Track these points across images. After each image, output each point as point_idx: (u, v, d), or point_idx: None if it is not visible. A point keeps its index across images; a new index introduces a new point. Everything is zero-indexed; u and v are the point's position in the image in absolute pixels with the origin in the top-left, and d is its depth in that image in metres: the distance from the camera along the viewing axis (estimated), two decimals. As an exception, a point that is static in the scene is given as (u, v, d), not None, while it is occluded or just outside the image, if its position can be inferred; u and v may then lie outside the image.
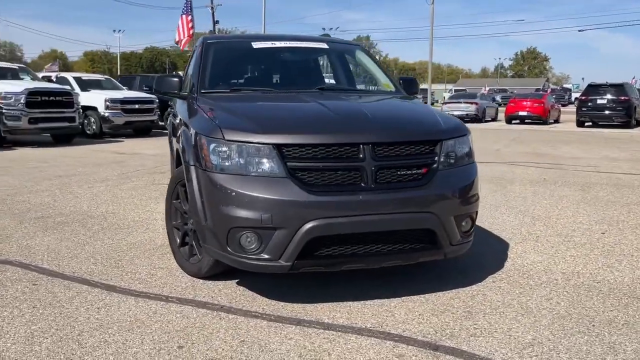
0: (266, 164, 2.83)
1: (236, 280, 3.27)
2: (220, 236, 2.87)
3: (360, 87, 4.78)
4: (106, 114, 14.08)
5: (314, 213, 2.77)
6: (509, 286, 3.25)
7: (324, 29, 60.16)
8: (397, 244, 2.97)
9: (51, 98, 11.59)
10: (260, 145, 2.84)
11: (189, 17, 20.37)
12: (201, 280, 3.28)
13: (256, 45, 4.40)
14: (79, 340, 2.52)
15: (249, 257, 2.84)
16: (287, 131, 2.92)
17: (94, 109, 14.05)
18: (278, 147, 2.83)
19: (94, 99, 14.18)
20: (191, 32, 20.40)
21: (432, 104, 35.29)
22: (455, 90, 52.45)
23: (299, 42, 4.56)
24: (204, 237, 3.01)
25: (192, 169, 3.03)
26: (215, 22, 35.64)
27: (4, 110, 10.88)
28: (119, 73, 60.29)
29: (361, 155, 2.88)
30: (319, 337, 2.57)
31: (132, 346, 2.48)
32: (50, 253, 3.84)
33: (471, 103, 24.69)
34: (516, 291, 3.16)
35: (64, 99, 11.98)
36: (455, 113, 21.67)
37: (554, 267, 3.62)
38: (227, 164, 2.88)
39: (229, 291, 3.13)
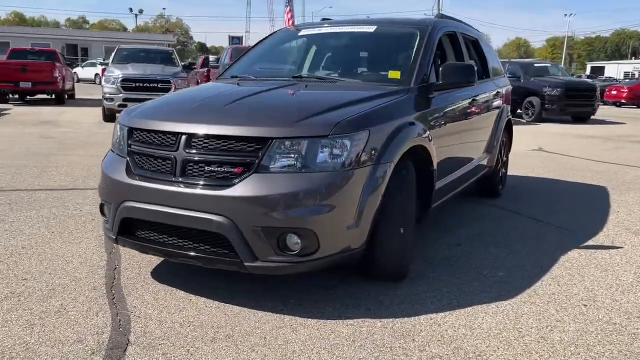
0: (122, 145, 3.11)
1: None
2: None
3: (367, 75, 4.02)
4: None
5: (127, 195, 2.92)
6: None
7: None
8: (199, 243, 2.78)
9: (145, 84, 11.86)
10: (125, 127, 3.13)
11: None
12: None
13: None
14: None
15: (105, 223, 3.19)
16: (143, 116, 3.09)
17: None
18: (129, 130, 3.07)
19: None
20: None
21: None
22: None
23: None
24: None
25: None
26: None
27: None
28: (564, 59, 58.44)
29: (176, 146, 2.82)
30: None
31: None
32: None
33: None
34: None
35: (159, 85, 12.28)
36: None
37: None
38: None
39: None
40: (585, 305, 2.99)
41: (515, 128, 6.26)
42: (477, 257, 3.73)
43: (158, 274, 3.26)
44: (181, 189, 2.73)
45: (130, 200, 2.89)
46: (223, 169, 2.71)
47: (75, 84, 20.77)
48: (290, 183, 2.61)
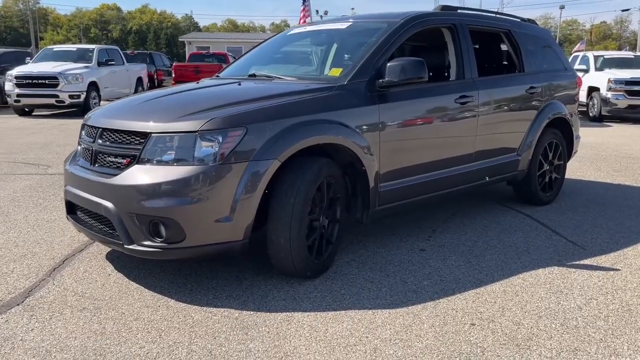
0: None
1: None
2: None
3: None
4: (608, 96, 13.25)
5: (68, 180, 3.41)
6: None
7: None
8: (103, 225, 3.13)
9: None
10: (83, 124, 3.64)
11: None
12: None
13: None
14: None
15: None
16: (93, 114, 3.55)
17: (597, 89, 13.50)
18: (82, 125, 3.56)
19: (599, 79, 13.60)
20: None
21: None
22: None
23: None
24: None
25: None
26: None
27: None
28: None
29: (94, 138, 3.22)
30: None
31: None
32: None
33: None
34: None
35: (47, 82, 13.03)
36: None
37: None
38: None
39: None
40: (472, 325, 2.68)
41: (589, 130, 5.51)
42: (424, 264, 3.49)
43: (124, 259, 3.70)
44: (91, 177, 3.11)
45: (68, 185, 3.37)
46: (116, 160, 3.03)
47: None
48: (160, 174, 2.83)
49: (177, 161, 2.84)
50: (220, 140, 2.83)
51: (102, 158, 3.13)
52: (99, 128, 3.21)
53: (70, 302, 2.93)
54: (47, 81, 13.29)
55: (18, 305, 2.89)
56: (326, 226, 3.35)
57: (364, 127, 3.37)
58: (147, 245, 2.89)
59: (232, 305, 2.89)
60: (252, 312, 2.81)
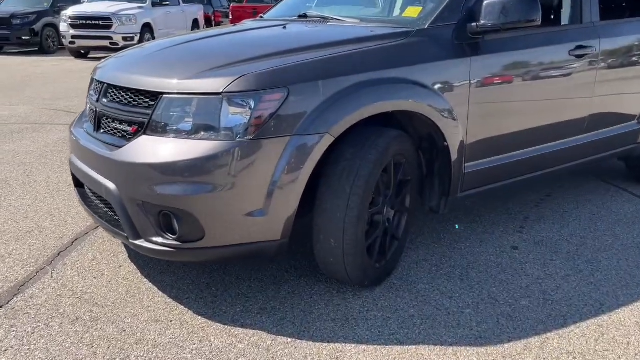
0: None
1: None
2: None
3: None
4: None
5: (72, 148, 2.74)
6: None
7: None
8: (111, 210, 2.46)
9: None
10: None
11: None
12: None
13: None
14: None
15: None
16: (101, 65, 2.83)
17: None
18: (91, 80, 2.86)
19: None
20: None
21: None
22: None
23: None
24: None
25: None
26: None
27: None
28: None
29: (98, 96, 2.52)
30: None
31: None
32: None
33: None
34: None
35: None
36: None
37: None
38: None
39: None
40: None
41: None
42: (518, 271, 2.66)
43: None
44: (94, 147, 2.42)
45: (72, 154, 2.71)
46: (121, 127, 2.32)
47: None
48: (171, 150, 2.09)
49: (195, 133, 2.09)
50: (253, 105, 2.06)
51: (106, 123, 2.43)
52: (104, 83, 2.50)
53: (63, 307, 2.31)
54: (100, 22, 12.76)
55: (1, 307, 2.31)
56: (391, 218, 2.56)
57: (449, 88, 2.50)
58: (156, 243, 2.20)
59: (265, 326, 2.19)
60: (289, 340, 2.10)
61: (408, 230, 2.70)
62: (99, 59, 12.83)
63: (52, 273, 2.60)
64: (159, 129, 2.16)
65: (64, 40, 13.22)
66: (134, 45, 12.73)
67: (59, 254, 2.80)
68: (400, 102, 2.33)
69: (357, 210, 2.21)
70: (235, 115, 2.06)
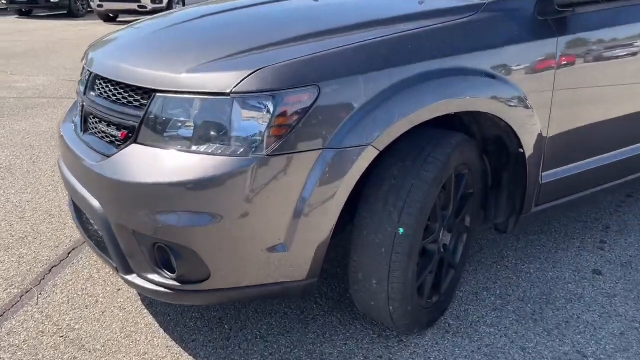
0: None
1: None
2: None
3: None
4: None
5: (59, 149, 2.28)
6: None
7: None
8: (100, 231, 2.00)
9: None
10: None
11: None
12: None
13: None
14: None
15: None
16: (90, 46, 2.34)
17: None
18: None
19: None
20: None
21: None
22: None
23: None
24: None
25: None
26: None
27: None
28: None
29: (85, 88, 2.04)
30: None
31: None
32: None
33: None
34: None
35: None
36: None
37: None
38: None
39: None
40: None
41: None
42: (607, 309, 2.12)
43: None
44: (79, 151, 1.94)
45: (60, 157, 2.25)
46: (109, 130, 1.84)
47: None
48: (165, 168, 1.60)
49: (196, 144, 1.59)
50: (272, 109, 1.54)
51: (93, 123, 1.96)
52: (91, 72, 2.02)
53: (43, 350, 1.89)
54: None
55: (-31, 348, 1.91)
56: (448, 243, 2.04)
57: (528, 81, 1.92)
58: (151, 281, 1.74)
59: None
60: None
61: (466, 254, 2.17)
62: (129, 21, 12.43)
63: (37, 298, 2.19)
64: (152, 137, 1.66)
65: (91, 3, 12.82)
66: (163, 9, 12.28)
67: (50, 270, 2.38)
68: (469, 101, 1.77)
69: (408, 244, 1.69)
70: (248, 122, 1.55)
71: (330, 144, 1.57)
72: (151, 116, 1.66)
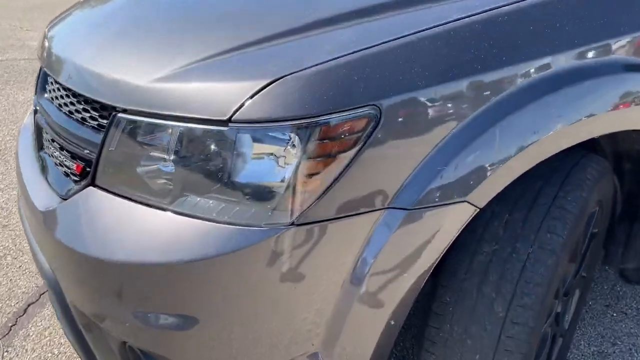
0: None
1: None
2: None
3: None
4: None
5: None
6: None
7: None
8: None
9: None
10: None
11: None
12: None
13: None
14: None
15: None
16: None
17: None
18: None
19: None
20: None
21: None
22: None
23: None
24: None
25: None
26: None
27: None
28: None
29: (36, 87, 1.43)
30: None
31: None
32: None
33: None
34: None
35: None
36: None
37: None
38: None
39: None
40: None
41: None
42: None
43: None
44: (27, 183, 1.35)
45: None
46: (63, 158, 1.24)
47: None
48: (127, 234, 1.00)
49: (177, 197, 0.97)
50: (302, 146, 0.90)
51: (47, 145, 1.36)
52: (42, 68, 1.41)
53: None
54: None
55: None
56: (560, 311, 1.41)
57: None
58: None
59: None
60: None
61: (580, 313, 1.54)
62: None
63: (2, 353, 1.68)
64: (113, 180, 1.06)
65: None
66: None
67: (22, 314, 1.87)
68: (625, 117, 1.08)
69: (522, 341, 1.07)
70: (261, 167, 0.93)
71: (397, 201, 0.93)
72: (111, 148, 1.04)
